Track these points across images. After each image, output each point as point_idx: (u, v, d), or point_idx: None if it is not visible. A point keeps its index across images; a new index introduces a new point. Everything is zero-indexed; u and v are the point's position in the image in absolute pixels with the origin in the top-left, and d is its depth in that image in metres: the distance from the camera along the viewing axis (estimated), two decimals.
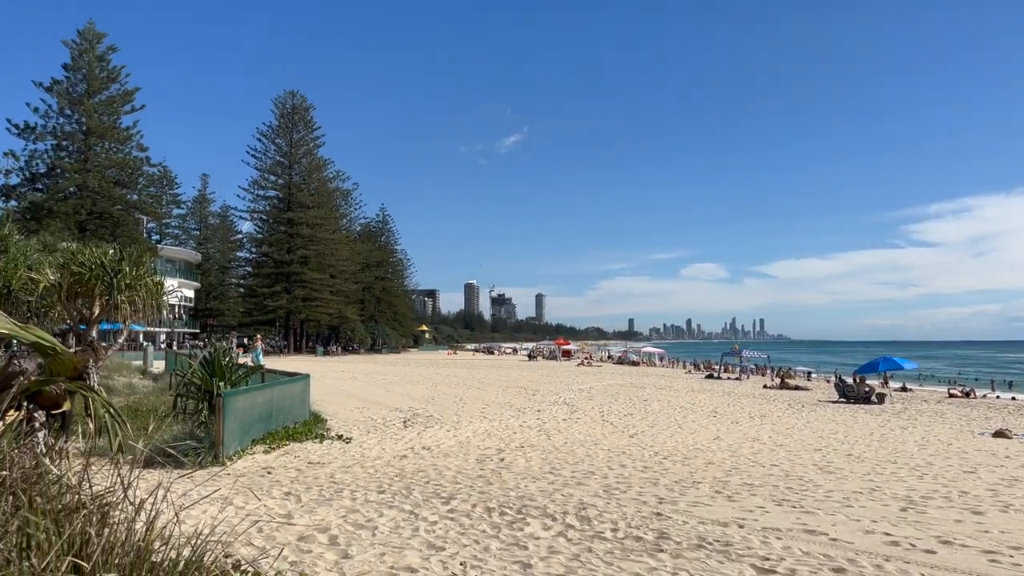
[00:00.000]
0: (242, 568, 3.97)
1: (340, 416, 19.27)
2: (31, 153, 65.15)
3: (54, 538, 2.71)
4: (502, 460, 13.04)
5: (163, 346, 64.75)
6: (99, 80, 65.98)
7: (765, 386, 42.07)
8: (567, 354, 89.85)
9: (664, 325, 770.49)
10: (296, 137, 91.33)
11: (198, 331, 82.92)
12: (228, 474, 10.85)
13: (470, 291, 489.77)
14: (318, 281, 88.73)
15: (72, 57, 65.69)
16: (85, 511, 3.08)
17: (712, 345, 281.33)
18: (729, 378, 50.89)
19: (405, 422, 18.57)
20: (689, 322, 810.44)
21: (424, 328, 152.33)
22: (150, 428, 9.88)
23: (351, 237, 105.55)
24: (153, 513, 2.95)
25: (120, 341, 19.82)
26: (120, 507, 2.95)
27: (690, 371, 62.98)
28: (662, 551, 7.20)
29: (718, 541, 7.62)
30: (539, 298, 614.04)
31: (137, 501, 2.98)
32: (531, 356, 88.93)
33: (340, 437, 15.22)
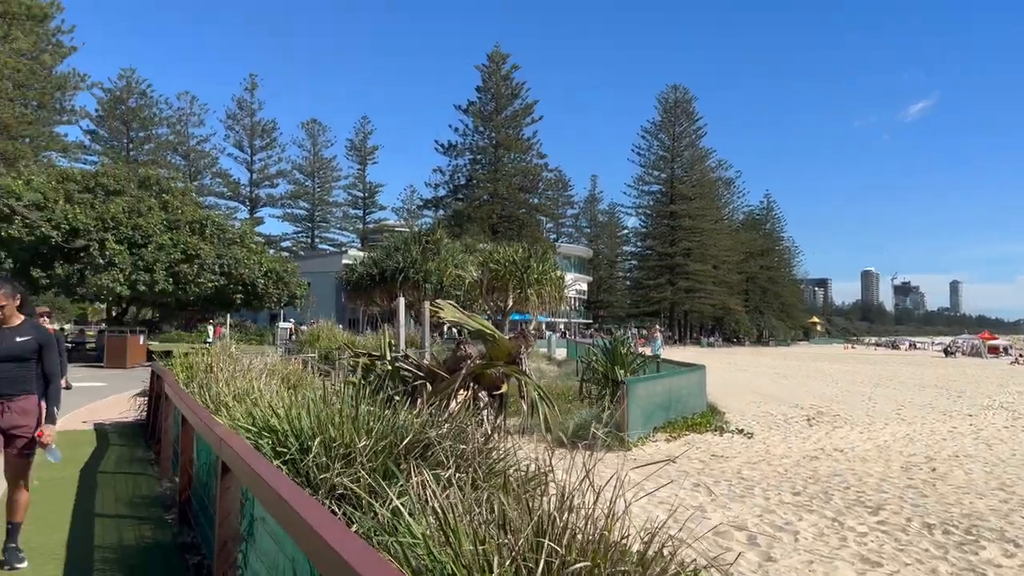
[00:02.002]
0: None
1: (736, 409, 18.70)
2: (453, 168, 75.75)
3: (524, 518, 2.78)
4: (933, 470, 11.35)
5: (561, 335, 70.26)
6: (505, 97, 73.94)
7: None
8: (994, 351, 76.63)
9: None
10: (678, 130, 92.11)
11: (590, 321, 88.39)
12: (634, 459, 11.09)
13: (867, 279, 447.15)
14: (701, 272, 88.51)
15: (483, 79, 74.65)
16: (542, 491, 3.16)
17: None
18: None
19: (809, 420, 17.34)
20: None
21: (815, 320, 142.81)
22: (561, 411, 10.50)
23: (734, 226, 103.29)
24: (614, 500, 2.89)
25: (534, 330, 21.72)
26: (579, 491, 2.94)
27: None
28: None
29: None
30: (954, 285, 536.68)
31: (596, 487, 2.95)
32: (947, 352, 77.64)
33: (741, 431, 14.71)
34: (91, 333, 35.92)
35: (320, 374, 11.33)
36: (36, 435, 4.61)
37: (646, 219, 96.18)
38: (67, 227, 26.82)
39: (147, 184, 31.15)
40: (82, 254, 26.93)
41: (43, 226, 26.32)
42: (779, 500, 8.77)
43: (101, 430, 10.76)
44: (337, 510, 3.95)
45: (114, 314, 32.60)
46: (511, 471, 4.19)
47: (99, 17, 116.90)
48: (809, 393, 25.23)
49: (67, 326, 47.69)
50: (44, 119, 44.48)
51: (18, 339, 4.61)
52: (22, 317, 4.75)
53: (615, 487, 2.95)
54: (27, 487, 4.70)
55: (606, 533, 2.73)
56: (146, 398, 11.36)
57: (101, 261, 26.78)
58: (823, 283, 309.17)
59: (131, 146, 69.30)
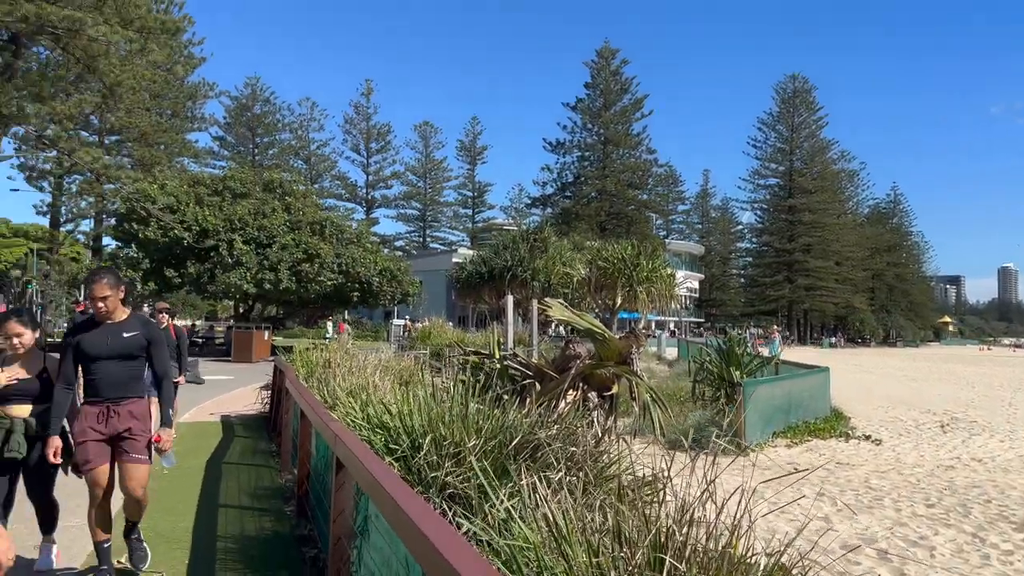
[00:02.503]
0: None
1: (862, 414, 17.69)
2: (562, 166, 75.62)
3: (642, 530, 2.63)
4: None
5: (670, 334, 68.86)
6: (613, 93, 73.17)
7: None
8: None
9: None
10: (797, 121, 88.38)
11: (702, 321, 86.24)
12: (753, 465, 10.63)
13: (1005, 276, 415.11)
14: (822, 269, 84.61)
15: (591, 75, 74.14)
16: (662, 501, 3.00)
17: None
18: None
19: (943, 426, 16.18)
20: None
21: (946, 320, 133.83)
22: (673, 414, 10.18)
23: (858, 221, 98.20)
24: (739, 514, 2.69)
25: (643, 329, 21.32)
26: (700, 502, 2.76)
27: None
28: None
29: None
30: None
31: (718, 497, 2.76)
32: None
33: (868, 438, 13.88)
34: (220, 329, 38.06)
35: (431, 371, 11.50)
36: (152, 439, 4.24)
37: (762, 214, 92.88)
38: (198, 228, 28.51)
39: (271, 187, 32.68)
40: (212, 254, 28.55)
41: (176, 228, 28.08)
42: (912, 512, 8.18)
43: (227, 422, 11.30)
44: (448, 510, 3.92)
45: (241, 311, 34.40)
46: (624, 476, 4.04)
47: (226, 28, 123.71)
48: (942, 397, 23.58)
49: (199, 322, 50.74)
50: (177, 127, 47.51)
51: (124, 335, 4.20)
52: (128, 311, 4.35)
53: (740, 498, 2.75)
54: (144, 495, 4.30)
55: (730, 550, 2.54)
56: (269, 392, 11.85)
57: (229, 260, 28.30)
58: (956, 280, 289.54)
59: (256, 151, 73.03)
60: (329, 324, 38.53)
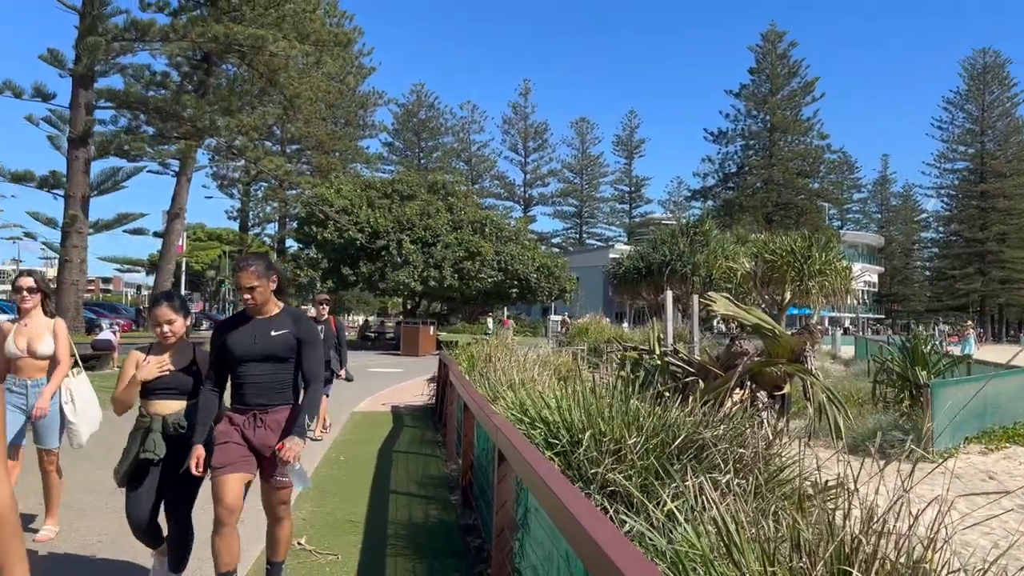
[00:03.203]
0: None
1: None
2: (723, 156, 73.09)
3: (824, 539, 2.43)
4: None
5: (844, 331, 64.68)
6: (781, 77, 69.74)
7: None
8: None
9: None
10: (989, 99, 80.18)
11: (882, 317, 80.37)
12: (943, 472, 9.73)
13: None
14: (1020, 260, 76.27)
15: (756, 60, 71.06)
16: (846, 510, 2.77)
17: None
18: None
19: None
20: None
21: None
22: (853, 415, 9.50)
23: None
24: (935, 526, 2.43)
25: (816, 326, 20.15)
26: (892, 512, 2.52)
27: None
28: None
29: None
30: None
31: (910, 506, 2.51)
32: None
33: None
34: (390, 324, 40.03)
35: (589, 367, 11.44)
36: (276, 448, 3.57)
37: (950, 201, 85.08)
38: (370, 229, 30.15)
39: (435, 188, 33.96)
40: (382, 253, 30.09)
41: (350, 229, 29.84)
42: None
43: (396, 412, 11.81)
44: (608, 507, 3.85)
45: (409, 307, 36.01)
46: (799, 481, 3.78)
47: (392, 36, 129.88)
48: None
49: (371, 318, 53.62)
50: (350, 135, 50.46)
51: (273, 333, 3.65)
52: (280, 305, 3.80)
53: (936, 509, 2.48)
54: (288, 517, 3.92)
55: (925, 564, 2.29)
56: (435, 384, 12.27)
57: (398, 259, 29.72)
58: None
59: (421, 155, 76.16)
60: (489, 320, 39.52)
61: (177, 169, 29.47)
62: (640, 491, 4.05)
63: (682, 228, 34.61)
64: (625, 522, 3.60)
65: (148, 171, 29.30)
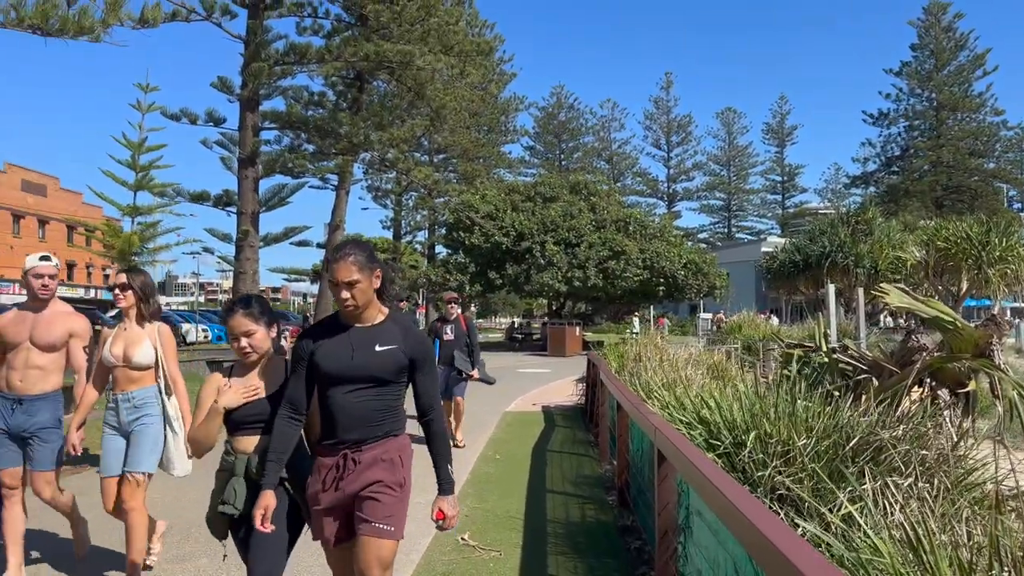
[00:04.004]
0: None
1: None
2: (885, 139, 68.40)
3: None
4: None
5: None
6: (946, 52, 64.46)
7: None
8: None
9: None
10: None
11: None
12: None
13: None
14: None
15: (918, 35, 66.04)
16: None
17: None
18: None
19: None
20: None
21: None
22: None
23: None
24: None
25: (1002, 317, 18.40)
26: None
27: None
28: None
29: None
30: None
31: None
32: None
33: None
34: (536, 325, 40.46)
35: (745, 366, 11.02)
36: (434, 517, 2.79)
37: None
38: (514, 233, 30.64)
39: (577, 189, 34.03)
40: (527, 255, 30.51)
41: (496, 233, 30.46)
42: None
43: (547, 412, 11.90)
44: (778, 512, 3.68)
45: (554, 308, 36.25)
46: (996, 485, 3.45)
47: (530, 39, 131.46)
48: None
49: (517, 320, 54.47)
50: (493, 141, 51.47)
51: (379, 348, 2.74)
52: (384, 311, 2.86)
53: None
54: None
55: None
56: (583, 384, 12.26)
57: (542, 261, 30.03)
58: None
59: (562, 156, 76.49)
60: (635, 319, 39.03)
61: (336, 183, 31.25)
62: (811, 495, 3.85)
63: (842, 217, 32.66)
64: (797, 526, 3.42)
65: (310, 186, 31.31)
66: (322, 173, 29.88)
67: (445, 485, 2.81)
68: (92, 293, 51.85)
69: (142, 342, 4.15)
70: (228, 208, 25.90)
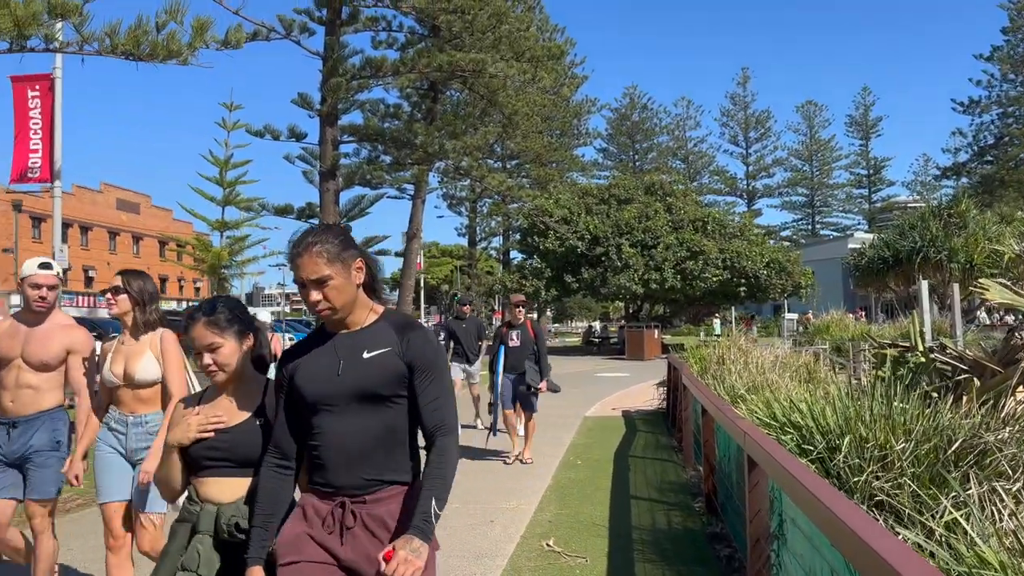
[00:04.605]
0: None
1: None
2: (977, 127, 65.09)
3: None
4: None
5: None
6: None
7: None
8: None
9: None
10: None
11: None
12: None
13: None
14: None
15: (1009, 18, 62.66)
16: None
17: None
18: None
19: None
20: None
21: None
22: None
23: None
24: None
25: None
26: None
27: None
28: None
29: None
30: None
31: None
32: None
33: None
34: (613, 329, 40.16)
35: (835, 367, 10.66)
36: (383, 555, 1.93)
37: None
38: (589, 236, 30.52)
39: (652, 190, 33.64)
40: (602, 259, 30.34)
41: (571, 237, 30.41)
42: None
43: (627, 417, 11.79)
44: (876, 519, 3.55)
45: (631, 311, 35.90)
46: None
47: (603, 42, 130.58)
48: None
49: (595, 324, 54.20)
50: (565, 144, 51.38)
51: (367, 354, 2.12)
52: (378, 310, 2.24)
53: None
54: None
55: None
56: (664, 388, 12.09)
57: (618, 264, 29.80)
58: None
59: (636, 157, 75.76)
60: (716, 321, 38.26)
61: (412, 193, 31.83)
62: (912, 500, 3.70)
63: (933, 210, 31.25)
64: (897, 534, 3.29)
65: (387, 197, 31.99)
66: (399, 183, 30.49)
67: (420, 523, 1.94)
68: (183, 305, 54.31)
69: (142, 355, 3.51)
70: (311, 220, 26.69)
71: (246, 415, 2.36)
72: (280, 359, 2.24)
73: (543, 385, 7.91)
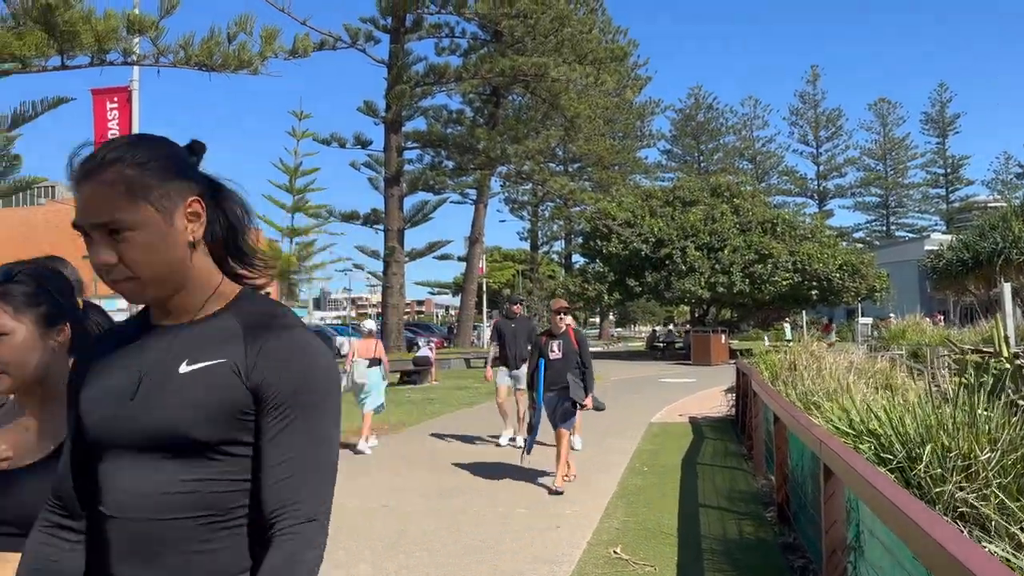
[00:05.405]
0: None
1: None
2: None
3: None
4: None
5: None
6: None
7: None
8: None
9: None
10: None
11: None
12: None
13: None
14: None
15: None
16: None
17: None
18: None
19: None
20: None
21: None
22: None
23: None
24: None
25: None
26: None
27: None
28: None
29: None
30: None
31: None
32: None
33: None
34: (678, 333, 39.59)
35: (913, 373, 10.27)
36: None
37: None
38: (653, 239, 30.17)
39: (718, 191, 33.07)
40: (667, 262, 29.95)
41: (634, 240, 30.12)
42: None
43: (694, 423, 11.59)
44: (961, 530, 3.40)
45: (696, 315, 35.35)
46: None
47: (667, 42, 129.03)
48: None
49: (658, 328, 53.55)
50: (628, 147, 51.02)
51: (184, 368, 1.18)
52: (235, 290, 1.28)
53: None
54: None
55: None
56: (733, 394, 11.85)
57: (683, 267, 29.37)
58: None
59: (701, 158, 74.61)
60: (786, 326, 37.34)
61: (474, 197, 32.09)
62: (998, 512, 3.54)
63: (1015, 210, 29.87)
64: (983, 546, 3.15)
65: (450, 201, 32.31)
66: (461, 188, 30.81)
67: None
68: None
69: None
70: (376, 225, 27.19)
71: (49, 450, 1.47)
72: (75, 359, 1.37)
73: (588, 401, 6.97)
